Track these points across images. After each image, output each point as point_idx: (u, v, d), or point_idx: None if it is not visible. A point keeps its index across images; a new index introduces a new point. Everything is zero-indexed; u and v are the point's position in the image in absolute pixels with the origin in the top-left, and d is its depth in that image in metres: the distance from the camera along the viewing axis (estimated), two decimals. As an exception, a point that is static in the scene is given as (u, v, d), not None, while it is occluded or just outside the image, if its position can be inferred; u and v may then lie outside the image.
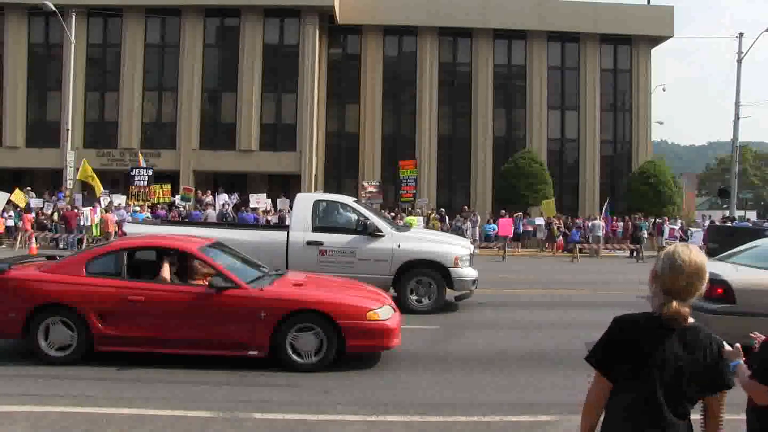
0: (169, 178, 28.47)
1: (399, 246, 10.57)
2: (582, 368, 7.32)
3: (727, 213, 32.02)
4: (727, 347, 2.91)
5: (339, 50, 35.09)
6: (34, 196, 26.54)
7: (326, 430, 5.07)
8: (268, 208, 24.93)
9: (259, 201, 24.94)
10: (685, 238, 26.07)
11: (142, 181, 23.64)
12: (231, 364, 6.65)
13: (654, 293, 2.44)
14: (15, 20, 32.09)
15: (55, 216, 24.24)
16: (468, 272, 10.79)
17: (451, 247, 10.92)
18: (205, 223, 16.83)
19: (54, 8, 26.39)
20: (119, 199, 24.47)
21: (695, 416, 2.45)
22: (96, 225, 22.66)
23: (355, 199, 12.73)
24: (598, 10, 33.87)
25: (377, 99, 34.20)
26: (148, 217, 21.83)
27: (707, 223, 28.42)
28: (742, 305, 6.75)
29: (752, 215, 51.43)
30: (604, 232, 26.42)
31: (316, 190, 30.27)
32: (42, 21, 31.96)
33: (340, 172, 34.70)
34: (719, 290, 6.88)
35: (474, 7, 33.29)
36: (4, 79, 32.19)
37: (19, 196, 24.73)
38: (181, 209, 24.45)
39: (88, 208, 23.35)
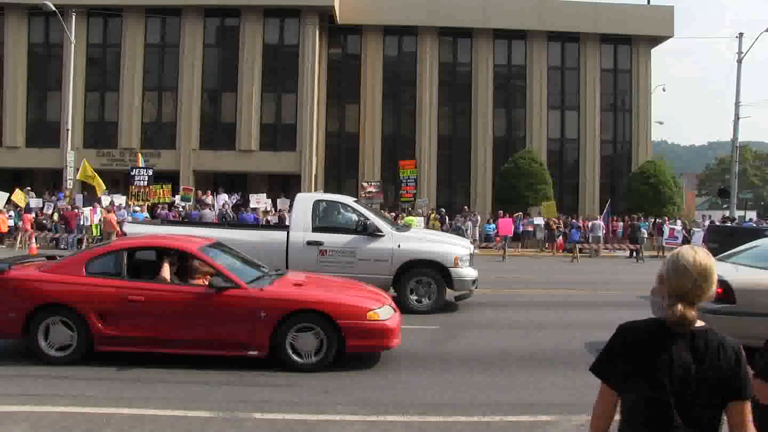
0: (169, 178, 28.45)
1: (399, 246, 10.57)
2: (582, 368, 7.31)
3: (727, 213, 32.02)
4: None
5: (339, 50, 35.09)
6: (34, 196, 26.54)
7: (326, 430, 5.06)
8: (268, 208, 24.93)
9: (259, 201, 24.94)
10: (688, 238, 26.08)
11: (142, 181, 23.64)
12: (231, 364, 6.65)
13: (661, 297, 2.33)
14: (15, 20, 32.10)
15: (55, 216, 24.25)
16: (468, 272, 10.79)
17: (451, 247, 10.91)
18: (205, 223, 16.83)
19: (54, 8, 26.40)
20: (119, 199, 24.48)
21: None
22: (96, 225, 22.67)
23: (355, 199, 12.73)
24: (598, 10, 33.87)
25: (377, 99, 34.20)
26: (146, 217, 21.83)
27: (707, 223, 28.42)
28: (742, 305, 6.75)
29: (752, 215, 51.44)
30: (604, 232, 26.43)
31: (316, 190, 30.27)
32: (42, 21, 31.96)
33: (340, 172, 34.71)
34: (719, 290, 6.82)
35: (474, 7, 33.29)
36: (4, 79, 32.20)
37: (19, 196, 24.75)
38: (180, 209, 24.45)
39: (88, 208, 23.36)
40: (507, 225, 24.16)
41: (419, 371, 6.79)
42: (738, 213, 34.72)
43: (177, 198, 25.84)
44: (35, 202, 25.52)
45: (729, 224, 24.74)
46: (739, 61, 30.38)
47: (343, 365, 6.69)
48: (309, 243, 10.51)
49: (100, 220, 22.46)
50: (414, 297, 10.51)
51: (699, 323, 2.27)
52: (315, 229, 10.69)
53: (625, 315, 10.13)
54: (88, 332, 6.60)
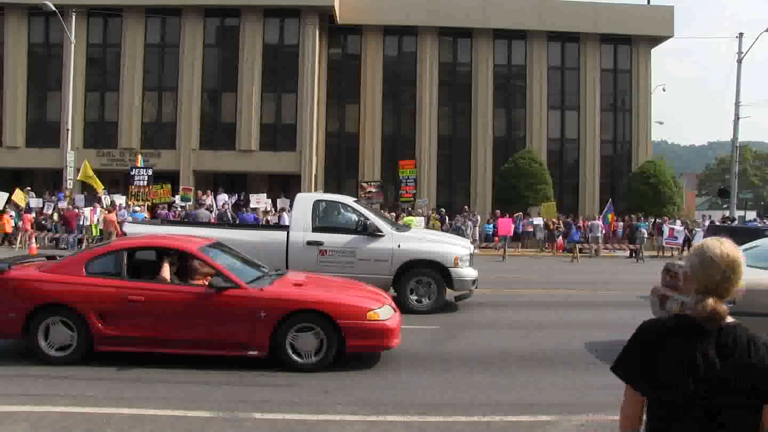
0: (169, 178, 28.45)
1: (399, 246, 10.57)
2: (582, 368, 7.32)
3: (727, 213, 32.02)
4: None
5: (339, 50, 35.09)
6: (34, 196, 26.55)
7: (326, 430, 5.06)
8: (268, 208, 24.92)
9: (259, 201, 24.94)
10: (690, 238, 26.09)
11: (141, 181, 23.65)
12: (231, 364, 6.65)
13: (686, 293, 2.23)
14: (15, 20, 32.09)
15: (55, 216, 24.24)
16: (468, 272, 10.78)
17: (451, 247, 10.91)
18: (205, 223, 16.81)
19: (54, 8, 26.39)
20: (119, 199, 24.49)
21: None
22: (95, 225, 22.66)
23: (355, 199, 12.73)
24: (598, 10, 33.86)
25: (377, 99, 34.20)
26: (146, 218, 21.82)
27: (707, 223, 28.42)
28: (742, 305, 6.72)
29: (752, 215, 51.45)
30: (603, 232, 26.45)
31: (316, 190, 30.27)
32: (42, 21, 31.96)
33: (340, 172, 34.70)
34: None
35: (474, 7, 33.28)
36: (4, 79, 32.19)
37: (19, 196, 24.76)
38: (179, 209, 24.45)
39: (89, 208, 23.36)
40: (506, 225, 24.16)
41: (419, 371, 6.79)
42: (738, 213, 34.73)
43: (177, 198, 25.85)
44: (35, 202, 25.52)
45: (728, 224, 24.72)
46: (739, 61, 30.37)
47: (343, 365, 6.69)
48: (309, 243, 10.52)
49: (98, 220, 22.46)
50: (414, 297, 10.51)
51: (728, 319, 2.16)
52: (315, 229, 10.69)
53: (625, 315, 10.16)
54: (88, 332, 6.60)
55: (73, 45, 28.82)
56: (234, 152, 32.02)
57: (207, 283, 6.76)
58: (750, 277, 8.17)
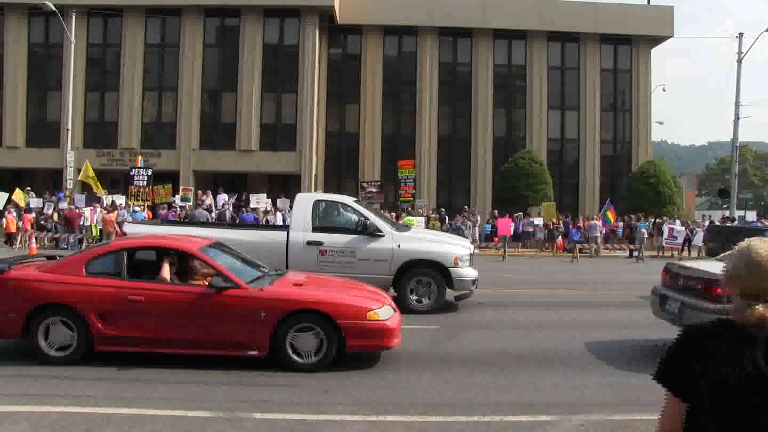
0: (169, 178, 28.46)
1: (399, 246, 10.57)
2: (581, 368, 7.32)
3: (727, 213, 32.02)
4: None
5: (339, 50, 35.08)
6: (34, 196, 26.55)
7: (326, 430, 5.06)
8: (269, 208, 24.90)
9: (259, 201, 24.93)
10: (690, 238, 26.11)
11: (141, 181, 23.66)
12: (231, 364, 6.65)
13: (731, 298, 2.09)
14: (15, 20, 32.09)
15: (55, 216, 24.24)
16: (468, 272, 10.78)
17: (451, 247, 10.91)
18: (205, 223, 16.80)
19: (54, 8, 26.39)
20: (119, 200, 24.49)
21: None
22: (95, 225, 22.66)
23: (355, 199, 12.72)
24: (598, 10, 33.87)
25: (377, 99, 34.20)
26: (146, 218, 21.82)
27: (707, 223, 28.42)
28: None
29: (752, 215, 51.46)
30: (603, 232, 26.43)
31: (316, 190, 30.27)
32: (42, 21, 31.95)
33: (340, 172, 34.70)
34: (719, 290, 6.88)
35: (474, 7, 33.29)
36: (4, 79, 32.19)
37: (19, 196, 24.77)
38: (179, 209, 24.45)
39: (89, 209, 23.37)
40: (506, 225, 24.14)
41: (419, 371, 6.79)
42: (738, 213, 34.73)
43: (177, 198, 25.87)
44: (35, 202, 25.53)
45: (729, 224, 24.73)
46: (739, 61, 30.36)
47: (343, 365, 6.69)
48: (309, 243, 10.52)
49: (98, 220, 22.45)
50: (414, 297, 10.51)
51: None
52: (315, 229, 10.69)
53: (625, 315, 10.17)
54: (88, 332, 6.60)
55: (73, 45, 28.81)
56: (234, 152, 32.01)
57: (207, 283, 6.76)
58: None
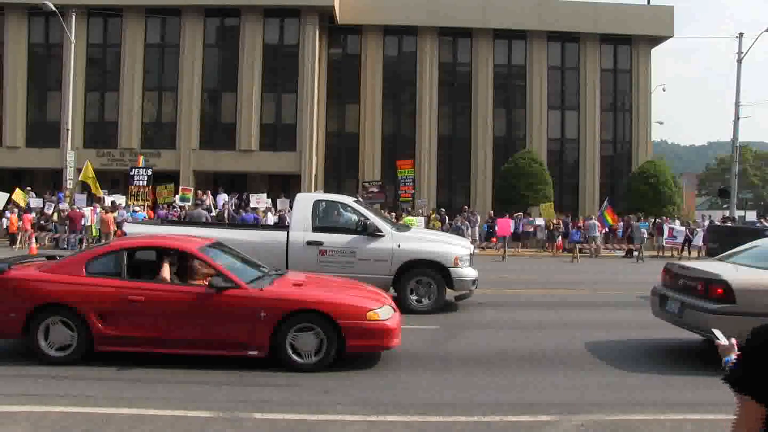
0: (169, 178, 28.48)
1: (399, 246, 10.57)
2: (581, 368, 7.31)
3: (727, 213, 32.02)
4: (723, 341, 2.85)
5: (339, 50, 35.07)
6: (35, 196, 26.55)
7: (326, 430, 5.06)
8: (269, 208, 24.86)
9: (259, 201, 24.93)
10: (690, 238, 26.11)
11: (141, 181, 23.67)
12: (231, 364, 6.65)
13: None
14: (15, 20, 32.09)
15: (55, 216, 24.23)
16: (468, 272, 10.79)
17: (451, 247, 10.91)
18: (205, 223, 16.80)
19: (54, 8, 26.38)
20: (119, 199, 24.49)
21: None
22: (95, 225, 22.65)
23: (355, 199, 12.72)
24: (598, 10, 33.86)
25: (377, 99, 34.19)
26: (146, 218, 21.81)
27: (707, 223, 28.43)
28: (742, 305, 6.75)
29: (752, 215, 51.45)
30: (603, 231, 26.42)
31: (316, 190, 30.25)
32: (42, 21, 31.94)
33: (340, 172, 34.70)
34: (719, 290, 6.88)
35: (474, 7, 33.28)
36: (4, 79, 32.18)
37: (19, 196, 24.76)
38: (178, 209, 24.45)
39: (89, 209, 23.37)
40: (506, 225, 24.14)
41: (419, 371, 6.78)
42: (738, 213, 34.72)
43: (177, 198, 25.88)
44: (35, 202, 25.53)
45: (730, 224, 24.73)
46: (739, 61, 30.37)
47: (343, 365, 6.69)
48: (309, 243, 10.52)
49: (96, 220, 22.43)
50: (414, 297, 10.51)
51: None
52: (315, 229, 10.69)
53: (625, 315, 10.17)
54: (88, 332, 6.59)
55: (73, 45, 28.80)
56: (234, 152, 32.01)
57: (207, 283, 6.75)
58: (750, 277, 8.16)
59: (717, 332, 3.02)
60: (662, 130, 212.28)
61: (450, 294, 10.96)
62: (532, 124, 34.46)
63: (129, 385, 6.05)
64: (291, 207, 14.62)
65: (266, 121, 32.58)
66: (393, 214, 23.95)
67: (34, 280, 6.78)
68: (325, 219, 11.07)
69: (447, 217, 26.95)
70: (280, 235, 10.78)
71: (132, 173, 24.01)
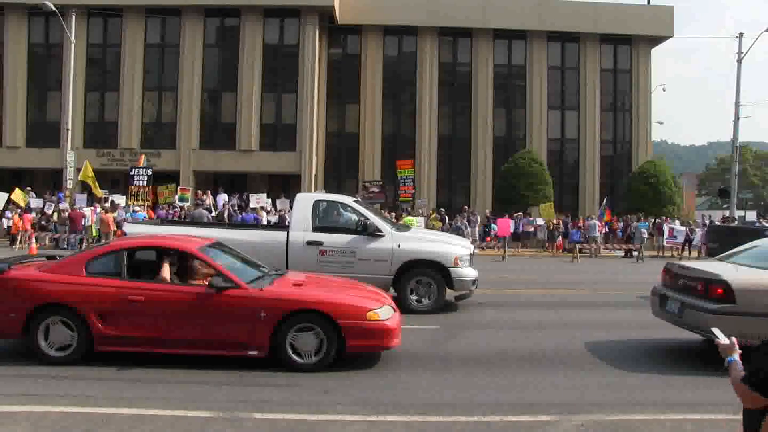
0: (170, 178, 28.48)
1: (399, 246, 10.57)
2: (581, 368, 7.31)
3: (727, 213, 32.01)
4: (723, 340, 2.85)
5: (339, 50, 35.08)
6: (34, 196, 26.55)
7: (326, 430, 5.06)
8: (268, 209, 24.86)
9: (259, 201, 24.91)
10: (690, 238, 26.11)
11: (141, 181, 23.66)
12: (231, 364, 6.65)
13: None
14: (15, 20, 32.09)
15: (55, 216, 24.23)
16: (468, 272, 10.78)
17: (451, 247, 10.91)
18: (205, 223, 16.79)
19: (54, 8, 26.38)
20: (120, 199, 24.48)
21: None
22: (94, 225, 22.65)
23: (356, 199, 12.72)
24: (598, 10, 33.86)
25: (377, 99, 34.20)
26: (146, 218, 21.80)
27: (706, 222, 28.42)
28: (742, 305, 6.75)
29: (752, 215, 51.46)
30: (603, 231, 26.42)
31: (316, 190, 30.25)
32: (42, 21, 31.95)
33: (340, 172, 34.70)
34: (719, 290, 6.88)
35: (474, 7, 33.28)
36: (4, 79, 32.18)
37: (19, 196, 24.76)
38: (178, 209, 24.45)
39: (89, 209, 23.37)
40: (506, 225, 24.14)
41: (419, 371, 6.78)
42: (738, 213, 34.71)
43: (176, 198, 25.88)
44: (35, 202, 25.52)
45: (729, 224, 24.70)
46: (739, 61, 30.37)
47: (343, 365, 6.69)
48: (309, 243, 10.51)
49: (98, 220, 22.42)
50: (414, 297, 10.51)
51: None
52: (315, 229, 10.69)
53: (625, 315, 10.17)
54: (88, 332, 6.59)
55: (73, 45, 28.80)
56: (234, 152, 32.01)
57: (207, 283, 6.75)
58: (750, 277, 8.16)
59: (717, 331, 3.03)
60: (662, 130, 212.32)
61: (450, 294, 10.95)
62: (532, 124, 34.46)
63: (129, 385, 6.05)
64: (291, 207, 14.61)
65: (266, 121, 32.58)
66: (393, 214, 23.94)
67: (34, 280, 6.78)
68: (325, 219, 11.07)
69: (447, 217, 26.95)
70: (280, 235, 10.78)
71: (132, 173, 24.00)
